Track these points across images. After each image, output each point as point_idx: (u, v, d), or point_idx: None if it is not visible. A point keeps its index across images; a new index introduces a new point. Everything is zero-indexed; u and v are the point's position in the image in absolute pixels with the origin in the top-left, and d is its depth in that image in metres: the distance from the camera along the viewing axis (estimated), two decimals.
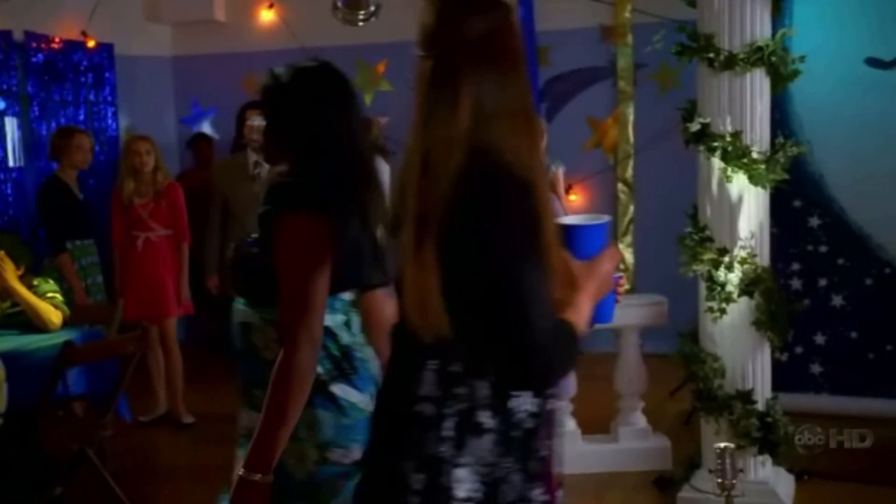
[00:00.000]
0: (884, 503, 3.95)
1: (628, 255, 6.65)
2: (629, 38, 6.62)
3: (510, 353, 1.48)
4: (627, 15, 6.60)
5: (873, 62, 4.70)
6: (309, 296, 1.94)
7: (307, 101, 2.10)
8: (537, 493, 1.58)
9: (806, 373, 4.97)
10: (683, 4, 6.26)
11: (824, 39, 4.36)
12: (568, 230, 1.67)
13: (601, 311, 1.69)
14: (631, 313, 4.28)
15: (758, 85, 3.65)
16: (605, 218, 1.75)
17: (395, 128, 7.02)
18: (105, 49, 6.98)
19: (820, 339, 4.98)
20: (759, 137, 3.66)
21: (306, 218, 1.97)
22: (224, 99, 7.49)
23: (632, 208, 6.70)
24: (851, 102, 4.65)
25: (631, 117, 6.67)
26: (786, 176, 3.68)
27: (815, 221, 4.92)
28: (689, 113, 3.78)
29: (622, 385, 4.47)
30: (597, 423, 4.56)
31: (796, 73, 3.68)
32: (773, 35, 3.71)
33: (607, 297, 1.71)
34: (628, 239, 6.70)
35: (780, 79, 3.68)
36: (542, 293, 1.48)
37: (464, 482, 1.52)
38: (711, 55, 3.65)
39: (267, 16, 7.43)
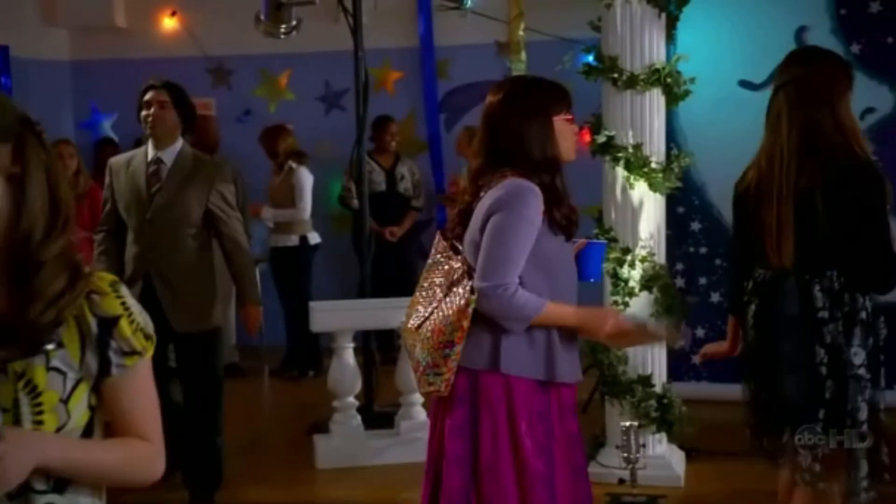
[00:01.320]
0: (755, 471, 4.44)
1: None
2: (523, 55, 7.06)
3: (879, 269, 2.62)
4: (521, 33, 7.05)
5: (745, 84, 5.27)
6: None
7: None
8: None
9: (688, 363, 5.48)
10: (573, 24, 6.78)
11: (704, 63, 4.81)
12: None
13: (592, 270, 2.76)
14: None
15: (655, 102, 4.11)
16: None
17: (297, 135, 7.26)
18: (0, 51, 6.92)
19: (700, 332, 5.50)
20: (656, 149, 4.12)
21: None
22: (124, 104, 7.49)
23: None
24: (727, 119, 5.18)
25: None
26: (679, 184, 4.16)
27: (696, 226, 5.45)
28: (596, 127, 4.20)
29: None
30: None
31: (687, 92, 4.16)
32: (667, 59, 4.19)
33: (596, 257, 2.78)
34: None
35: (674, 97, 4.16)
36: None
37: (856, 356, 2.64)
38: (615, 75, 4.07)
39: (169, 23, 7.52)
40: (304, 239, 6.34)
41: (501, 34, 7.11)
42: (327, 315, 4.44)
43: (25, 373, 1.36)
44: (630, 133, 4.09)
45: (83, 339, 1.40)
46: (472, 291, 2.48)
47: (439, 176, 7.29)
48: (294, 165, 6.34)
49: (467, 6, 5.19)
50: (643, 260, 4.07)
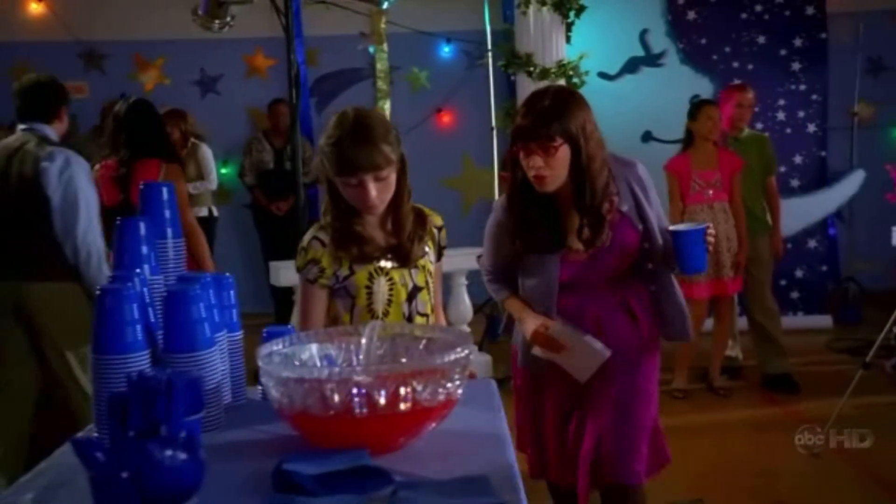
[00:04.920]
0: None
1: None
2: (385, 45, 7.91)
3: None
4: (383, 26, 7.88)
5: (603, 75, 6.49)
6: None
7: None
8: None
9: None
10: (430, 18, 7.73)
11: (572, 58, 5.97)
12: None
13: (693, 261, 2.46)
14: (456, 262, 5.60)
15: None
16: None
17: None
18: None
19: None
20: None
21: None
22: None
23: None
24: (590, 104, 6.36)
25: (388, 111, 7.96)
26: None
27: None
28: (513, 111, 5.20)
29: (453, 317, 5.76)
30: None
31: (584, 82, 5.26)
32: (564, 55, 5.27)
33: (698, 248, 2.45)
34: None
35: (574, 86, 5.24)
36: None
37: None
38: (531, 69, 5.09)
39: (36, 7, 7.66)
40: (210, 210, 6.88)
41: (366, 26, 7.90)
42: (289, 272, 5.13)
43: (425, 266, 2.28)
44: None
45: (434, 242, 2.34)
46: None
47: None
48: (196, 142, 6.84)
49: (384, 6, 5.95)
50: None
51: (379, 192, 2.15)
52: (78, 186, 3.50)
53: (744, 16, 6.62)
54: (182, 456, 1.06)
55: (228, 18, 5.62)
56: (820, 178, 6.70)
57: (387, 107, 7.97)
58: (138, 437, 1.17)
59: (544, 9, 5.04)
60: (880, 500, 3.68)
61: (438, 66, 7.98)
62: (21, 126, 3.67)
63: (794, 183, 6.66)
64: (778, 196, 5.32)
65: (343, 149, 2.12)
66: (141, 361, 1.64)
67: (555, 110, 2.44)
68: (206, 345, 1.72)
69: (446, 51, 7.94)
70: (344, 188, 2.17)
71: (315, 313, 2.26)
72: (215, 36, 7.25)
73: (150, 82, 7.88)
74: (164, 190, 1.92)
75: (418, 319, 2.28)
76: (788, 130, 6.66)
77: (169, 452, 1.05)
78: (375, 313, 2.24)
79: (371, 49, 7.91)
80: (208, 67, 7.88)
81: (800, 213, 6.51)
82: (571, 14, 5.18)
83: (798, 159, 6.68)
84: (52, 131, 3.67)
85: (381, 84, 7.95)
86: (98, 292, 1.64)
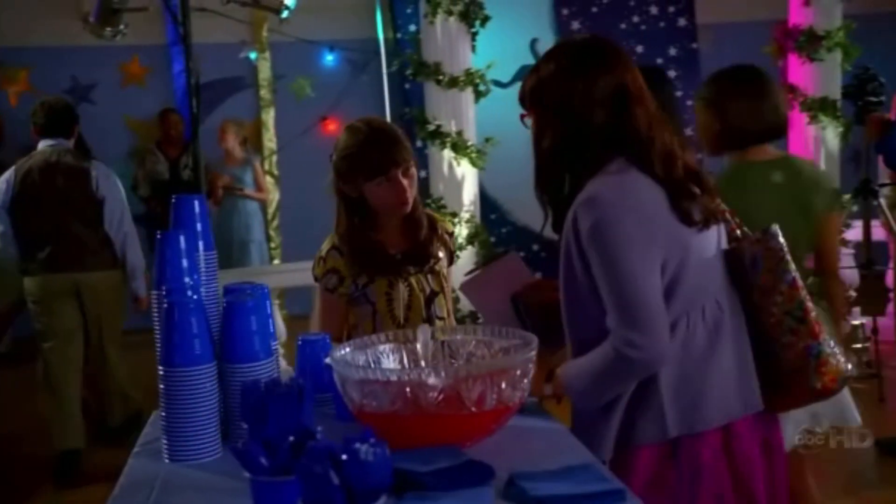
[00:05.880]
0: None
1: (276, 236, 7.84)
2: (267, 54, 7.81)
3: None
4: (265, 34, 7.78)
5: (497, 83, 6.64)
6: None
7: None
8: None
9: None
10: (313, 26, 7.73)
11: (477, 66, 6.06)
12: None
13: None
14: None
15: (470, 98, 5.28)
16: None
17: None
18: None
19: None
20: (472, 135, 5.31)
21: None
22: None
23: (278, 195, 7.87)
24: (483, 109, 6.51)
25: (272, 120, 7.87)
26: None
27: None
28: (421, 118, 5.26)
29: None
30: None
31: (489, 90, 5.39)
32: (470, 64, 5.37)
33: None
34: (276, 222, 7.88)
35: (480, 94, 5.36)
36: None
37: None
38: (440, 77, 5.17)
39: None
40: None
41: (247, 34, 7.78)
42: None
43: (440, 270, 2.31)
44: (453, 122, 5.23)
45: (446, 247, 2.37)
46: None
47: None
48: None
49: (284, 15, 5.86)
50: (468, 221, 5.24)
51: (409, 187, 2.20)
52: (119, 189, 4.54)
53: (623, 26, 6.95)
54: (378, 451, 1.08)
55: (121, 26, 5.43)
56: None
57: (271, 116, 7.89)
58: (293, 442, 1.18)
59: (451, 18, 5.13)
60: None
61: (322, 75, 7.94)
62: (48, 141, 4.42)
63: None
64: None
65: (370, 152, 2.15)
66: (209, 373, 1.62)
67: (536, 70, 1.87)
68: (266, 354, 1.71)
69: (329, 59, 7.92)
70: (374, 192, 2.20)
71: (335, 322, 2.26)
72: (87, 42, 7.00)
73: (15, 92, 7.49)
74: (196, 203, 1.89)
75: (437, 323, 2.30)
76: None
77: (369, 450, 1.06)
78: (397, 318, 2.25)
79: (252, 56, 7.81)
80: (80, 76, 7.56)
81: None
82: (476, 24, 5.29)
83: None
84: (70, 145, 4.48)
85: (264, 93, 7.86)
86: (165, 306, 1.61)
